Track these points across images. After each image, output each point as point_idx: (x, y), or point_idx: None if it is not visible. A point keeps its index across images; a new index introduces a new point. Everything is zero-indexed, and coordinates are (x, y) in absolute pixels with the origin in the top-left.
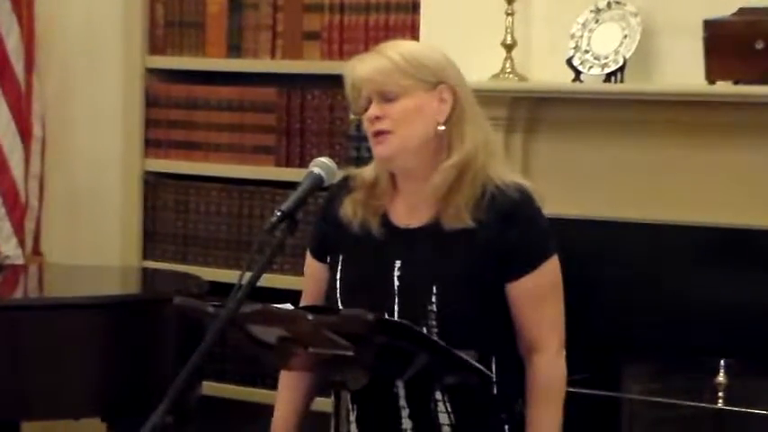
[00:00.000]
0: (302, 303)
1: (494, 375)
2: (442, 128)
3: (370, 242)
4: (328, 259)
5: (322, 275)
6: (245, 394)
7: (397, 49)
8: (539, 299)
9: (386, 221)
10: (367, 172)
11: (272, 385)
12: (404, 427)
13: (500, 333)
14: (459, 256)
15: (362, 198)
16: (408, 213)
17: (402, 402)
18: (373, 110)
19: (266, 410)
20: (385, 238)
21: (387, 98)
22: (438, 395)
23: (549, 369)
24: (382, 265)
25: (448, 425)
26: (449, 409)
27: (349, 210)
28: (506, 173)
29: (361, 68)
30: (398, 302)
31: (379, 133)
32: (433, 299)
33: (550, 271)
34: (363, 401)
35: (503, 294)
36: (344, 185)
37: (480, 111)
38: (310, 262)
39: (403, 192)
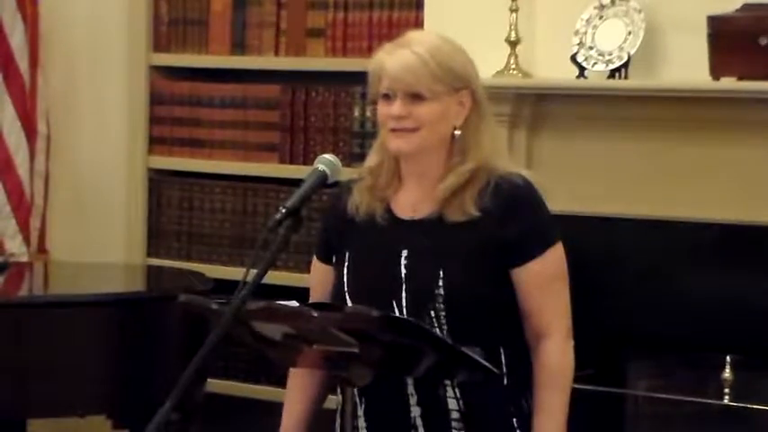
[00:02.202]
0: None
1: (504, 367)
2: (458, 132)
3: (375, 236)
4: (334, 259)
5: (328, 278)
6: (250, 391)
7: (428, 48)
8: (544, 285)
9: (389, 212)
10: (371, 160)
11: (277, 382)
12: (413, 414)
13: (508, 323)
14: (464, 242)
15: (369, 185)
16: (412, 206)
17: (410, 390)
18: (399, 108)
19: (271, 407)
20: (390, 230)
21: (414, 98)
22: (446, 380)
23: (556, 354)
24: (389, 257)
25: (456, 410)
26: (457, 395)
27: (357, 197)
28: (510, 164)
29: (392, 64)
30: (406, 289)
31: (400, 129)
32: (440, 282)
33: (555, 258)
34: (371, 392)
35: (509, 281)
36: (349, 188)
37: (490, 110)
38: (316, 265)
39: (408, 184)
